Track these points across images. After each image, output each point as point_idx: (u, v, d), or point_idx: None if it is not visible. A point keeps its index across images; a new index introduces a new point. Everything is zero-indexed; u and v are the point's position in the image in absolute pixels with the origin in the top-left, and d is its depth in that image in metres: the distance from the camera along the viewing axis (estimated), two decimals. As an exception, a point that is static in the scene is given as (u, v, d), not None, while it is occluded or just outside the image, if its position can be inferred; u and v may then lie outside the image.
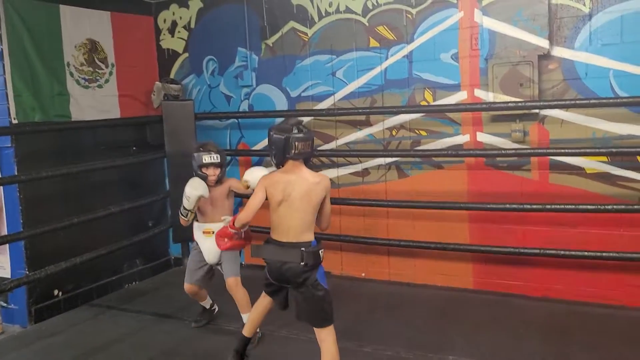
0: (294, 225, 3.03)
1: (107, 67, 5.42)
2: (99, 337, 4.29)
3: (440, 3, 4.63)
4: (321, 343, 3.04)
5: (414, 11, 4.75)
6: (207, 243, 4.06)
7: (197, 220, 4.20)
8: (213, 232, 3.89)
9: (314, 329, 3.06)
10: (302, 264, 2.95)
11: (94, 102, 5.26)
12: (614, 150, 4.07)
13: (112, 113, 5.44)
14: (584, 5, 4.16)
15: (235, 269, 4.03)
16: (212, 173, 4.07)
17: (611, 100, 4.07)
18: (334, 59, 5.15)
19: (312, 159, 5.24)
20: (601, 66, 4.16)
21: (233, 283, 3.99)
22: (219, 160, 4.06)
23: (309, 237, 3.03)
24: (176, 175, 5.67)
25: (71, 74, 5.05)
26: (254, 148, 5.69)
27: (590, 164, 4.28)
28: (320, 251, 3.02)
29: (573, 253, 4.27)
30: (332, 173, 5.30)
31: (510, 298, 4.57)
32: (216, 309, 4.50)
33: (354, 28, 5.02)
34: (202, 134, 5.82)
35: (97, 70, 5.32)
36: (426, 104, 4.79)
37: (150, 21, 6.00)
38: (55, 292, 4.87)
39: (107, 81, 5.42)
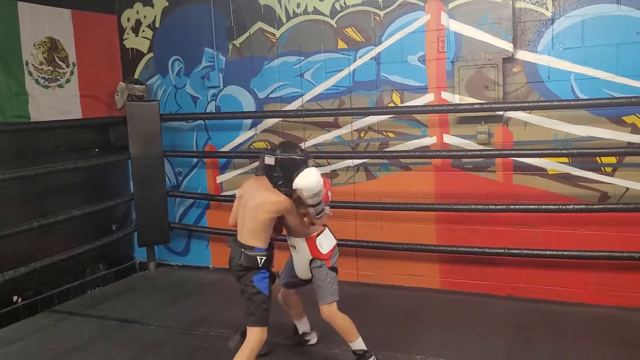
0: (244, 228, 3.31)
1: (68, 66, 5.28)
2: (61, 345, 4.17)
3: (408, 6, 4.67)
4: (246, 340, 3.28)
5: (381, 13, 4.78)
6: (296, 258, 3.60)
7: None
8: (295, 247, 3.54)
9: None
10: (239, 262, 3.26)
11: (54, 103, 5.11)
12: (574, 151, 4.18)
13: (74, 114, 5.30)
14: (547, 9, 4.26)
15: (326, 292, 3.43)
16: None
17: (572, 103, 4.18)
18: (302, 60, 5.14)
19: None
20: (563, 69, 4.26)
21: (326, 312, 3.42)
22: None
23: (255, 243, 3.25)
24: (141, 178, 5.57)
25: (30, 73, 4.89)
26: (222, 150, 5.62)
27: (552, 165, 4.39)
28: (257, 257, 3.24)
29: (536, 252, 4.37)
30: (300, 174, 5.28)
31: (476, 297, 4.64)
32: (311, 341, 3.92)
33: (322, 29, 5.02)
34: (168, 136, 5.73)
35: (57, 69, 5.17)
36: (394, 105, 4.83)
37: (114, 20, 5.86)
38: (15, 298, 4.71)
39: (68, 81, 5.28)
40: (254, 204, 3.26)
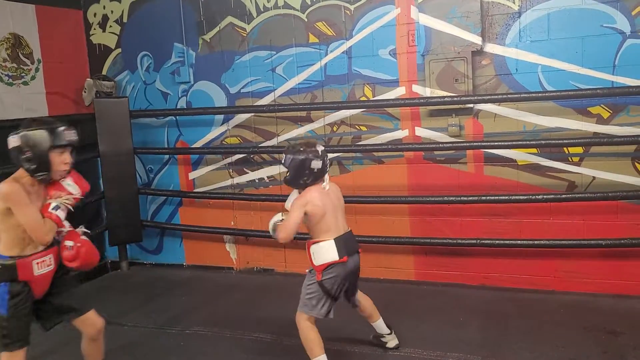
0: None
1: (32, 63, 5.15)
2: (30, 349, 4.03)
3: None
4: None
5: (352, 7, 4.78)
6: None
7: None
8: None
9: None
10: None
11: (19, 100, 4.99)
12: (543, 142, 4.26)
13: (40, 111, 5.17)
14: (514, 3, 4.32)
15: (302, 301, 3.27)
16: None
17: (540, 95, 4.26)
18: (273, 54, 5.11)
19: (253, 156, 5.26)
20: (530, 62, 4.33)
21: (297, 318, 3.28)
22: (282, 161, 3.35)
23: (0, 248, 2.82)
24: (111, 176, 5.47)
25: (-7, 71, 4.76)
26: (193, 146, 5.56)
27: (522, 155, 4.47)
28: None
29: (507, 242, 4.46)
30: (274, 170, 5.27)
31: (450, 287, 4.71)
32: (389, 344, 3.66)
33: (293, 24, 5.00)
34: (138, 132, 5.64)
35: (21, 66, 5.04)
36: (366, 99, 4.84)
37: (79, 15, 5.74)
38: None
39: (33, 78, 5.15)
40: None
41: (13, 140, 2.74)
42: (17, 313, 2.78)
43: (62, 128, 2.81)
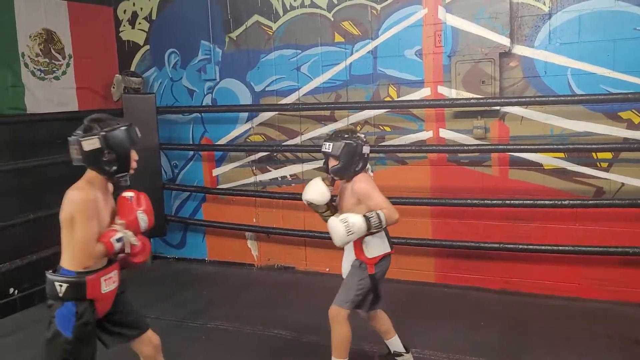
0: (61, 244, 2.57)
1: (64, 58, 5.26)
2: None
3: (405, -1, 4.67)
4: None
5: (378, 7, 4.77)
6: (344, 257, 3.32)
7: None
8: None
9: None
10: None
11: (51, 95, 5.11)
12: (570, 146, 4.20)
13: (70, 106, 5.29)
14: (544, 4, 4.25)
15: (347, 296, 3.11)
16: (330, 165, 3.19)
17: (569, 98, 4.19)
18: (298, 53, 5.12)
19: (276, 155, 5.29)
20: (560, 64, 4.26)
21: (334, 312, 3.10)
22: (330, 150, 3.11)
23: (63, 262, 2.52)
24: (136, 170, 5.53)
25: (26, 65, 4.88)
26: (218, 143, 5.62)
27: (548, 160, 4.40)
28: (56, 284, 2.46)
29: (531, 247, 4.39)
30: (297, 168, 5.29)
31: (470, 291, 4.67)
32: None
33: (319, 23, 5.01)
34: (165, 128, 5.72)
35: (53, 61, 5.16)
36: (390, 100, 4.83)
37: (110, 12, 5.84)
38: (11, 290, 4.72)
39: (64, 73, 5.26)
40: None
41: (90, 143, 2.51)
42: (82, 335, 2.51)
43: (133, 126, 2.71)
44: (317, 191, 3.14)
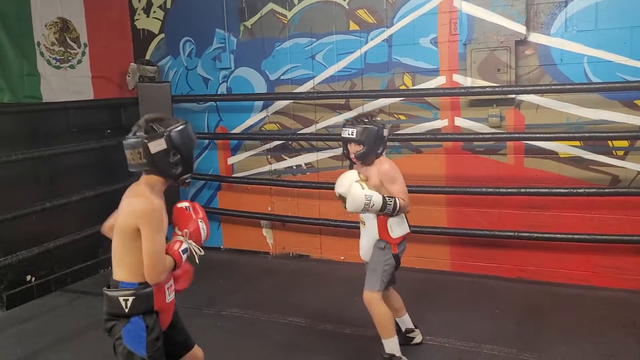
0: (113, 256, 2.38)
1: (79, 47, 5.28)
2: (75, 323, 4.24)
3: (420, -13, 4.64)
4: None
5: (393, -5, 4.75)
6: (362, 237, 3.36)
7: None
8: (364, 224, 3.30)
9: None
10: (104, 309, 2.32)
11: (66, 83, 5.13)
12: (586, 135, 4.18)
13: (85, 94, 5.32)
14: (561, -8, 4.23)
15: (376, 279, 3.17)
16: (351, 150, 3.24)
17: (585, 86, 4.17)
18: (313, 42, 5.12)
19: (291, 143, 5.30)
20: (576, 52, 4.23)
21: (368, 297, 3.16)
22: (354, 136, 3.15)
23: (120, 275, 2.30)
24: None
25: (42, 54, 4.90)
26: (233, 131, 5.64)
27: (564, 148, 4.38)
28: (120, 299, 2.25)
29: (546, 235, 4.39)
30: (312, 157, 5.30)
31: (486, 279, 4.68)
32: (416, 339, 3.58)
33: (333, 11, 5.00)
34: (180, 117, 5.72)
35: (69, 50, 5.18)
36: (405, 88, 4.82)
37: (125, 0, 5.85)
38: (28, 277, 4.78)
39: (79, 62, 5.28)
40: (120, 212, 2.50)
41: (156, 144, 2.28)
42: (156, 352, 2.30)
43: (190, 124, 2.48)
44: (354, 202, 3.05)
